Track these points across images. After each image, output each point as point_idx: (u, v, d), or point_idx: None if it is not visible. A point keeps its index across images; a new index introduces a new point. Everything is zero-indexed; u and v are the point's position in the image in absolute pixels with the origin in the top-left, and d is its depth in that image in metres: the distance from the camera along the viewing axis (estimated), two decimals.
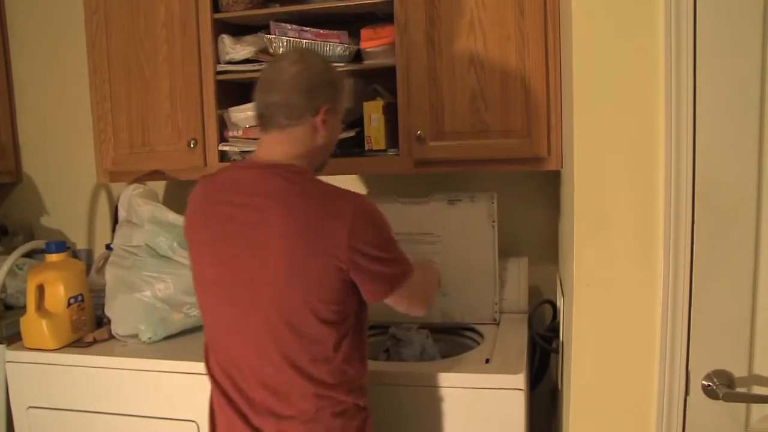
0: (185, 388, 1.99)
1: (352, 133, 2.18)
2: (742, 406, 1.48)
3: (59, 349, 2.11)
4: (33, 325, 2.10)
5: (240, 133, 2.23)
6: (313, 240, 1.48)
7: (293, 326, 1.52)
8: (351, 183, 2.50)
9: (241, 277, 1.55)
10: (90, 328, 2.22)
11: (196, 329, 2.20)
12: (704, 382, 1.48)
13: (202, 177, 1.75)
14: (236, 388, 1.60)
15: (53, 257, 2.15)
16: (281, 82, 1.57)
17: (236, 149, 2.24)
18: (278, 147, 1.59)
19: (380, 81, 2.28)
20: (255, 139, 2.21)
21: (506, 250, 2.34)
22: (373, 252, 1.51)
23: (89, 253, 2.84)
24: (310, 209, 1.50)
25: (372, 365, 1.92)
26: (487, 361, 1.93)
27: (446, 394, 1.84)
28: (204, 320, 1.69)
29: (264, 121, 1.60)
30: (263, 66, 2.04)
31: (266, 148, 1.62)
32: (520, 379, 1.80)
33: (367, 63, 2.20)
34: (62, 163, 2.89)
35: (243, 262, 1.54)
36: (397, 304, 1.65)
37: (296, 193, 1.52)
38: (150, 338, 2.11)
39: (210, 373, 1.67)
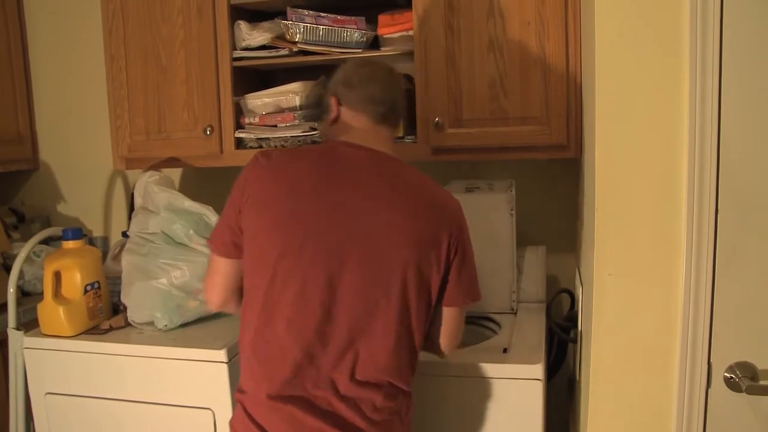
0: (201, 376, 1.98)
1: None
2: (765, 399, 1.46)
3: (76, 335, 2.11)
4: (50, 311, 2.10)
5: (256, 119, 2.22)
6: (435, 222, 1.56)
7: (416, 300, 1.55)
8: None
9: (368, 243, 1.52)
10: (106, 315, 2.22)
11: (211, 317, 2.20)
12: (726, 375, 1.46)
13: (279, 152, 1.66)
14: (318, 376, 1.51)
15: (70, 244, 2.15)
16: (402, 91, 1.74)
17: (252, 136, 2.23)
18: (382, 143, 1.64)
19: (400, 67, 2.26)
20: (272, 126, 2.20)
21: (524, 239, 2.32)
22: (470, 252, 1.62)
23: (105, 240, 2.84)
24: (443, 199, 1.62)
25: None
26: (505, 350, 1.92)
27: (463, 383, 1.83)
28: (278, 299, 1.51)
29: (384, 116, 1.65)
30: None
31: (374, 139, 1.63)
32: (538, 369, 1.79)
33: (385, 49, 2.18)
34: (79, 150, 2.89)
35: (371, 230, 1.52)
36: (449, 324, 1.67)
37: (417, 178, 1.62)
38: (166, 326, 2.11)
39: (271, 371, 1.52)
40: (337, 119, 1.66)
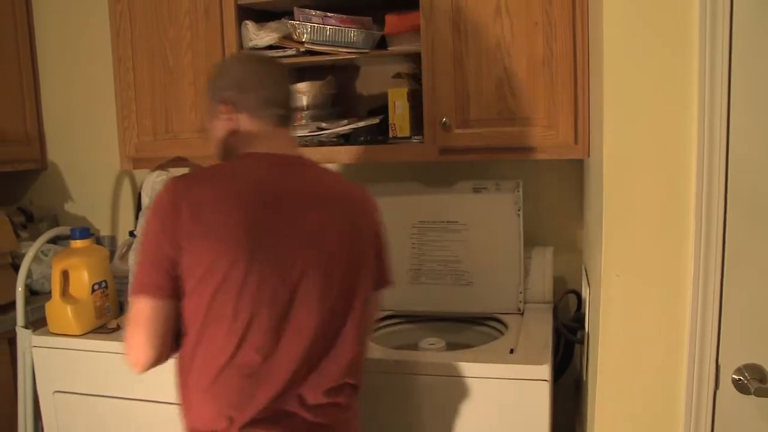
0: None
1: (376, 120, 2.17)
2: None
3: (84, 334, 2.12)
4: (58, 310, 2.11)
5: None
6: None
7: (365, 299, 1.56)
8: (375, 171, 2.48)
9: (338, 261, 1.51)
10: (114, 314, 2.23)
11: None
12: (735, 377, 1.45)
13: (194, 175, 1.49)
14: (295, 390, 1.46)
15: (77, 243, 2.16)
16: (292, 90, 1.66)
17: None
18: (290, 146, 1.61)
19: (405, 67, 2.26)
20: None
21: (531, 239, 2.31)
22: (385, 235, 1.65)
23: (113, 239, 2.85)
24: (358, 190, 1.61)
25: (396, 354, 1.93)
26: (512, 351, 1.91)
27: (470, 383, 1.83)
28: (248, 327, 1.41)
29: (285, 119, 1.59)
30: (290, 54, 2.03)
31: (288, 144, 1.60)
32: (545, 370, 1.78)
33: (392, 49, 2.18)
34: (86, 150, 2.90)
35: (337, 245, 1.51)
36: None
37: (343, 182, 1.62)
38: None
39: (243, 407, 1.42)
40: (236, 129, 1.55)
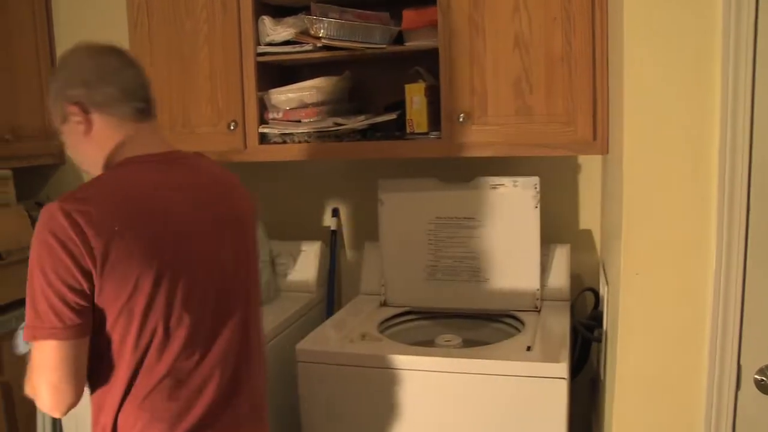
0: None
1: (393, 116, 2.16)
2: None
3: None
4: None
5: (280, 115, 2.21)
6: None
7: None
8: (392, 166, 2.47)
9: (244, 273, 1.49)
10: None
11: None
12: (757, 377, 1.43)
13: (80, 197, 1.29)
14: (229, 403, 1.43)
15: None
16: (147, 79, 1.45)
17: (276, 131, 2.22)
18: (160, 139, 1.46)
19: (422, 63, 2.25)
20: (296, 121, 2.20)
21: (548, 237, 2.30)
22: None
23: None
24: (235, 178, 1.58)
25: (413, 351, 1.92)
26: (529, 348, 1.90)
27: (486, 381, 1.82)
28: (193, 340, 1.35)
29: (146, 112, 1.42)
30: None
31: (159, 138, 1.46)
32: (563, 368, 1.77)
33: (409, 45, 2.17)
34: None
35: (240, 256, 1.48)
36: None
37: (223, 169, 1.56)
38: None
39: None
40: (89, 130, 1.37)
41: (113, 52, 1.43)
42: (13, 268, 2.46)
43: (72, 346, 1.24)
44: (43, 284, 1.23)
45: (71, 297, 1.23)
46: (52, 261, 1.23)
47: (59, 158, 2.96)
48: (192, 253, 1.35)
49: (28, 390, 1.31)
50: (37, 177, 3.01)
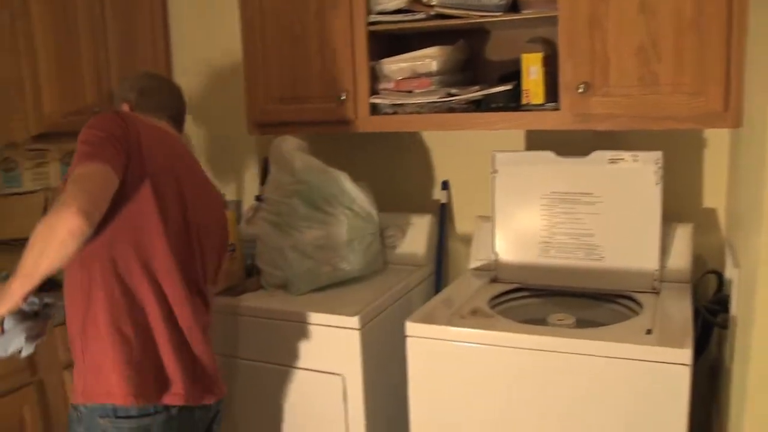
0: (332, 341, 2.00)
1: (509, 87, 2.09)
2: None
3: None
4: None
5: (392, 85, 2.18)
6: None
7: None
8: (506, 139, 2.40)
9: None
10: (240, 277, 2.26)
11: (343, 283, 2.20)
12: None
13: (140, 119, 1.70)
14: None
15: None
16: (183, 102, 1.93)
17: (387, 102, 2.19)
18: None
19: (539, 31, 2.16)
20: (407, 91, 2.16)
21: (670, 215, 2.18)
22: None
23: (238, 204, 2.89)
24: None
25: (526, 329, 1.86)
26: (649, 331, 1.81)
27: (601, 364, 1.74)
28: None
29: (174, 119, 1.86)
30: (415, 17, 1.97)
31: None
32: (686, 354, 1.67)
33: (525, 13, 2.08)
34: (213, 115, 2.94)
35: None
36: None
37: None
38: (298, 290, 2.12)
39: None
40: None
41: (163, 80, 1.96)
42: None
43: (111, 174, 1.53)
44: (102, 134, 1.58)
45: (122, 145, 1.60)
46: (113, 129, 1.60)
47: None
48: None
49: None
50: None
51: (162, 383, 1.58)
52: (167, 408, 1.58)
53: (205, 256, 1.72)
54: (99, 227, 1.46)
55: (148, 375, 1.55)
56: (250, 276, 2.28)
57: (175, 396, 1.58)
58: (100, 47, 2.56)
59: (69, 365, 1.89)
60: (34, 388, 2.04)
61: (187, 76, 2.98)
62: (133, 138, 1.56)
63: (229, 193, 2.95)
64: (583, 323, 2.00)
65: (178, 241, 1.62)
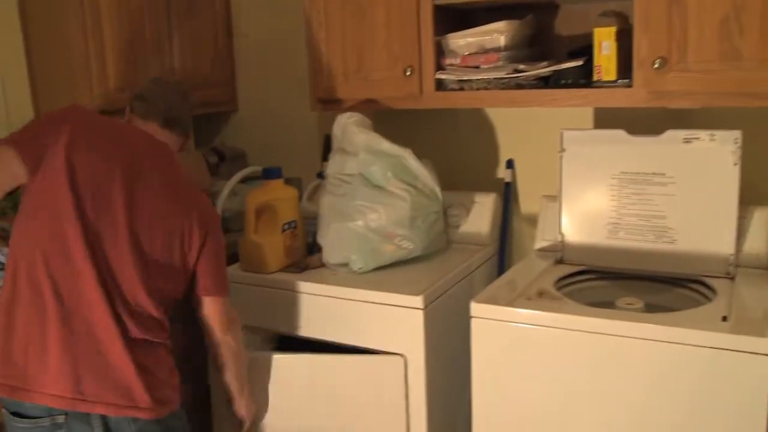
0: (395, 321, 1.97)
1: (580, 62, 2.02)
2: None
3: (274, 272, 2.15)
4: (251, 248, 2.15)
5: (458, 60, 2.13)
6: None
7: None
8: (575, 116, 2.34)
9: None
10: (302, 254, 2.25)
11: (406, 262, 2.17)
12: None
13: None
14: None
15: (271, 183, 2.18)
16: (192, 104, 1.96)
17: (454, 77, 2.14)
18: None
19: (611, 5, 2.08)
20: (474, 67, 2.11)
21: (747, 198, 2.08)
22: None
23: (299, 181, 2.88)
24: None
25: (595, 313, 1.80)
26: (725, 318, 1.73)
27: (675, 350, 1.67)
28: None
29: (165, 120, 1.85)
30: None
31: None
32: (766, 344, 1.59)
33: None
34: (274, 91, 2.94)
35: None
36: None
37: None
38: (361, 268, 2.10)
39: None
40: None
41: (160, 83, 1.97)
42: None
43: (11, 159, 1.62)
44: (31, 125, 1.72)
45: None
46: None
47: (233, 105, 3.04)
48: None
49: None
50: (213, 124, 3.10)
51: None
52: None
53: (146, 262, 1.68)
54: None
55: None
56: (312, 253, 2.27)
57: None
58: (163, 31, 2.60)
59: None
60: None
61: (249, 51, 2.98)
62: (64, 135, 1.62)
63: (289, 170, 2.95)
64: (652, 308, 1.93)
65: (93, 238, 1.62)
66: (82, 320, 1.59)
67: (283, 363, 2.10)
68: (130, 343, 1.63)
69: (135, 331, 1.64)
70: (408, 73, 2.19)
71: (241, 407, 1.99)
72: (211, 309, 1.84)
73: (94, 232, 1.61)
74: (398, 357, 1.99)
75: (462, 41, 2.12)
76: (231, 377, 1.93)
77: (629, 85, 1.95)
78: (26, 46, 2.46)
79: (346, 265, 2.13)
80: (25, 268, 1.60)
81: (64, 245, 1.59)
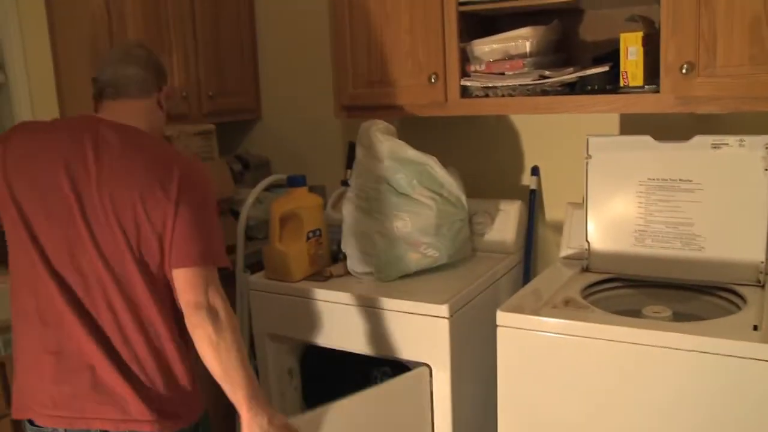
0: (420, 330, 1.96)
1: (606, 68, 2.00)
2: None
3: (299, 281, 2.15)
4: (276, 256, 2.15)
5: (483, 67, 2.12)
6: None
7: None
8: (602, 122, 2.33)
9: None
10: (326, 263, 2.25)
11: (432, 270, 2.16)
12: None
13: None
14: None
15: (295, 191, 2.19)
16: (136, 57, 1.69)
17: (479, 84, 2.13)
18: (126, 116, 1.65)
19: (636, 10, 2.06)
20: (499, 74, 2.10)
21: None
22: None
23: (323, 189, 2.89)
24: None
25: (622, 321, 1.79)
26: (756, 328, 1.70)
27: (704, 360, 1.65)
28: None
29: (113, 90, 1.66)
30: None
31: (115, 115, 1.65)
32: None
33: None
34: (298, 98, 2.95)
35: None
36: None
37: None
38: (386, 276, 2.10)
39: None
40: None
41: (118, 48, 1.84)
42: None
43: None
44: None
45: None
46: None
47: (257, 113, 3.05)
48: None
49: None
50: (237, 132, 3.12)
51: None
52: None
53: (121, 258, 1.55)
54: None
55: None
56: (336, 261, 2.26)
57: None
58: (188, 40, 2.64)
59: None
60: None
61: (273, 59, 2.99)
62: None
63: (313, 178, 2.95)
64: (680, 317, 1.91)
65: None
66: (68, 339, 1.55)
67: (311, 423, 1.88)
68: (115, 356, 1.55)
69: (122, 342, 1.55)
70: (433, 81, 2.19)
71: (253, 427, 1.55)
72: (179, 285, 1.55)
73: (54, 250, 1.55)
74: (423, 366, 1.98)
75: (487, 48, 2.11)
76: (227, 389, 1.54)
77: (656, 91, 1.94)
78: (53, 52, 2.48)
79: (370, 273, 2.13)
80: (15, 296, 1.61)
81: (34, 271, 1.55)
